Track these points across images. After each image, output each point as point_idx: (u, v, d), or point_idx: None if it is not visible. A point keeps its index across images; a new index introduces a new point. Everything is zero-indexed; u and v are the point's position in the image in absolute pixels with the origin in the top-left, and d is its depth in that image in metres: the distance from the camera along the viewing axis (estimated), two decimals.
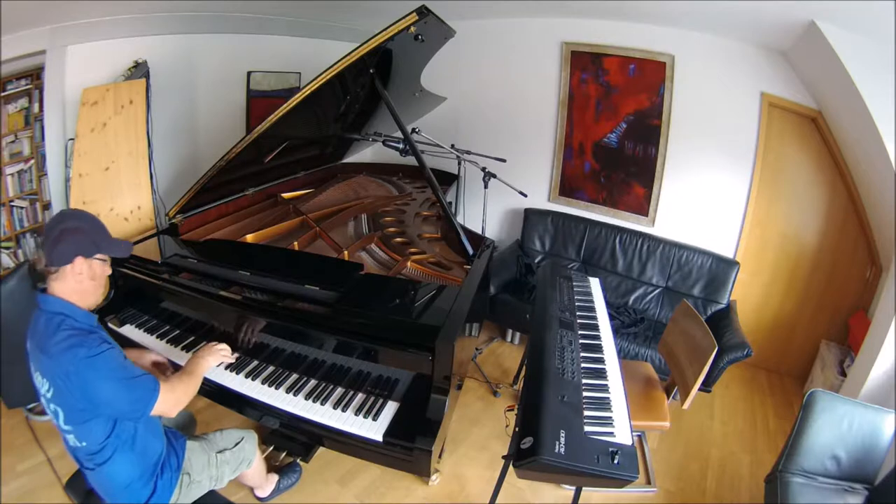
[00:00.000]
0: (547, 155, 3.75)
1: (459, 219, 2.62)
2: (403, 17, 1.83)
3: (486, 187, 2.79)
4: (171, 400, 1.31)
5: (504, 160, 2.90)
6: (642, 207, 3.47)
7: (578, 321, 1.93)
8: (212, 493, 1.56)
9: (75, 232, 1.22)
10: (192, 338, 1.94)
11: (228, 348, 1.68)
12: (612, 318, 2.42)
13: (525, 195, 2.92)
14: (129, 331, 1.98)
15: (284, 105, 1.99)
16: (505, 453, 1.75)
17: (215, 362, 1.60)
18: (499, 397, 2.81)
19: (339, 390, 1.71)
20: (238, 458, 1.62)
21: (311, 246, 2.32)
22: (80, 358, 1.15)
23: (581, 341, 1.78)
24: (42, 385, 1.23)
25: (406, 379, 1.65)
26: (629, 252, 3.37)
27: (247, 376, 1.75)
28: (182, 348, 1.89)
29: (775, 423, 2.82)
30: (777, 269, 3.24)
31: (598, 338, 1.85)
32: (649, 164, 3.36)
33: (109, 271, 1.34)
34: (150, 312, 2.05)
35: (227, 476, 1.59)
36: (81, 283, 1.24)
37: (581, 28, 3.33)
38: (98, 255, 1.26)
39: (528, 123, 3.75)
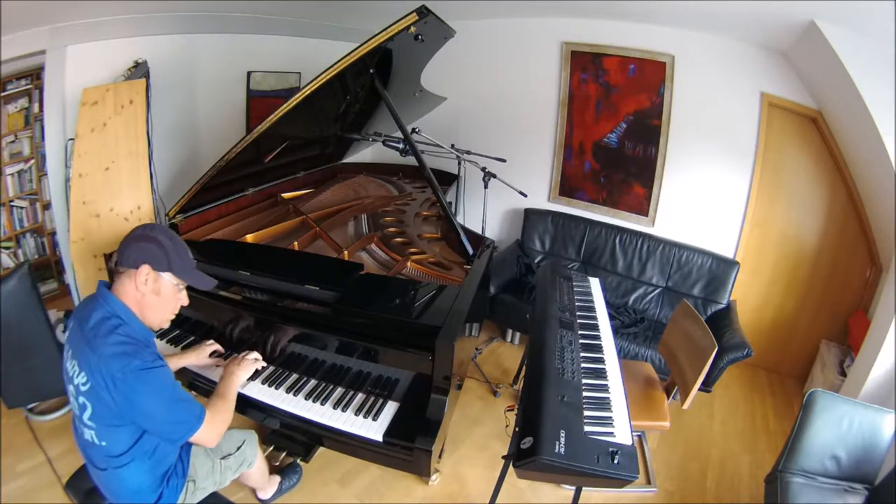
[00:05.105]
0: (547, 155, 3.75)
1: (459, 219, 2.62)
2: (403, 17, 1.82)
3: (486, 187, 2.79)
4: (212, 432, 1.29)
5: (504, 160, 2.90)
6: (642, 207, 3.47)
7: (578, 321, 1.93)
8: (213, 493, 1.56)
9: (153, 241, 1.22)
10: (192, 338, 1.94)
11: (258, 355, 1.65)
12: (612, 318, 2.42)
13: (525, 195, 2.92)
14: None
15: (284, 105, 1.99)
16: (505, 453, 1.74)
17: (246, 375, 1.57)
18: (499, 397, 2.81)
19: (339, 390, 1.71)
20: (239, 461, 1.62)
21: (311, 246, 2.32)
22: (131, 368, 1.12)
23: (581, 341, 1.78)
24: (77, 375, 1.17)
25: (406, 379, 1.65)
26: (629, 252, 3.37)
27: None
28: (182, 348, 1.89)
29: (775, 423, 2.82)
30: (777, 269, 3.24)
31: (598, 338, 1.85)
32: (649, 164, 3.36)
33: (184, 301, 1.31)
34: None
35: (230, 478, 1.59)
36: (143, 293, 1.22)
37: (581, 28, 3.33)
38: (167, 273, 1.23)
39: (528, 123, 3.75)
